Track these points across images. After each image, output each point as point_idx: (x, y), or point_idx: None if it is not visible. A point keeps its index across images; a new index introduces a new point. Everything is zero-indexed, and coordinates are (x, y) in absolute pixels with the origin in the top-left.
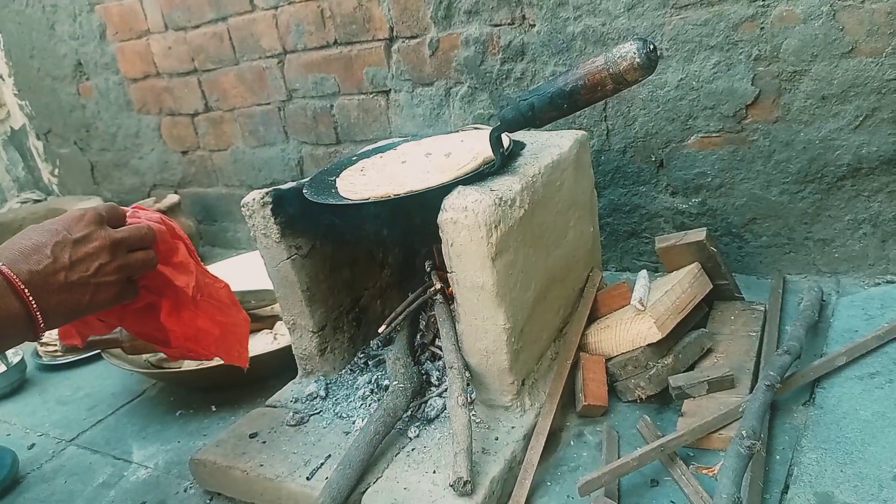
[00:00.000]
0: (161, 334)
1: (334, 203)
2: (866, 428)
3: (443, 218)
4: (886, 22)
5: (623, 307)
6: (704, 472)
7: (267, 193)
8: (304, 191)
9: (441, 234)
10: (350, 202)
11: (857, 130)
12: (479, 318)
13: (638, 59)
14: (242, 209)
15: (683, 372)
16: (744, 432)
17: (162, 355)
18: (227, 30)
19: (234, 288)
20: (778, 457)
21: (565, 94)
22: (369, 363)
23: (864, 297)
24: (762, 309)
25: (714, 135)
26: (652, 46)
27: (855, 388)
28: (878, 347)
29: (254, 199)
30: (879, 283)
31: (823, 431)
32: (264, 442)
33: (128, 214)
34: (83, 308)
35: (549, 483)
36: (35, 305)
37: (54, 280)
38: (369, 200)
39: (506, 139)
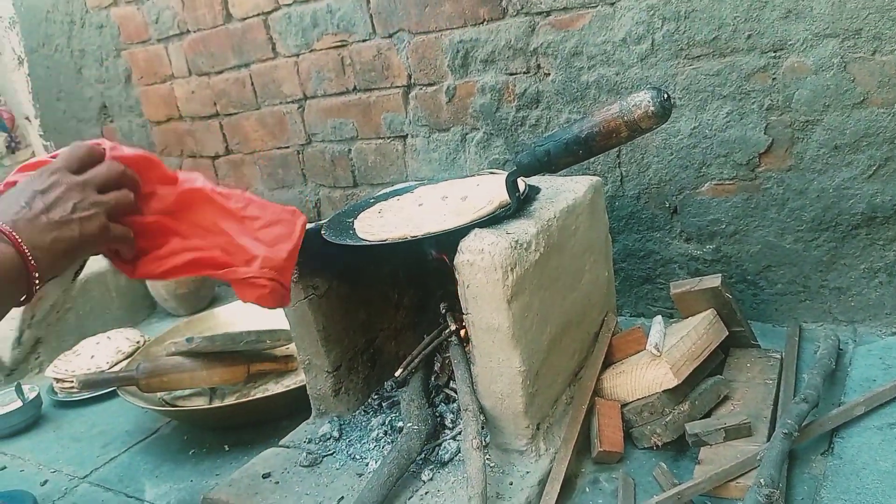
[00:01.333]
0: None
1: (353, 244)
2: (886, 479)
3: (459, 260)
4: None
5: (638, 352)
6: None
7: None
8: (322, 232)
9: (457, 276)
10: (368, 243)
11: (871, 179)
12: (495, 361)
13: (652, 108)
14: None
15: (700, 419)
16: (762, 481)
17: (177, 393)
18: (250, 75)
19: (249, 328)
20: None
21: (581, 140)
22: (383, 404)
23: (881, 346)
24: (778, 357)
25: (728, 182)
26: (666, 95)
27: (874, 438)
28: None
29: None
30: None
31: (843, 482)
32: (277, 482)
33: (107, 154)
34: (76, 243)
35: None
36: (25, 248)
37: (37, 222)
38: (387, 242)
39: (521, 184)
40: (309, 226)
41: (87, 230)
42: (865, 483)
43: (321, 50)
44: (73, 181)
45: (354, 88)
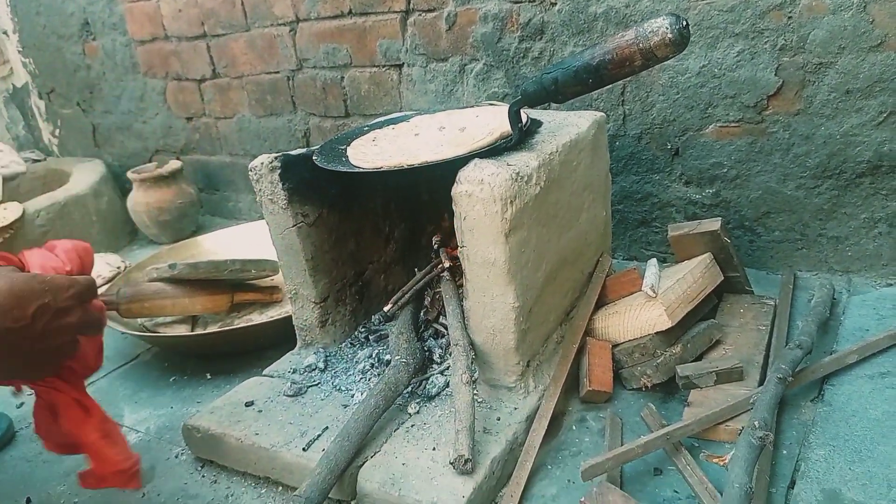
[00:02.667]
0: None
1: (345, 171)
2: (876, 427)
3: (457, 190)
4: None
5: (632, 294)
6: (715, 460)
7: (276, 158)
8: (314, 157)
9: (454, 208)
10: (362, 170)
11: (881, 127)
12: (488, 296)
13: (670, 35)
14: (250, 173)
15: (691, 362)
16: (756, 423)
17: (158, 320)
18: None
19: (234, 256)
20: (785, 451)
21: (591, 68)
22: (370, 338)
23: (876, 296)
24: (772, 304)
25: (733, 125)
26: (685, 22)
27: (865, 386)
28: (890, 347)
29: (262, 164)
30: (892, 284)
31: (832, 428)
32: (260, 411)
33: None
34: (20, 374)
35: (549, 466)
36: None
37: (19, 346)
38: (382, 169)
39: (524, 115)
40: (300, 150)
41: (39, 370)
42: (854, 430)
43: None
44: (83, 319)
45: (350, 12)
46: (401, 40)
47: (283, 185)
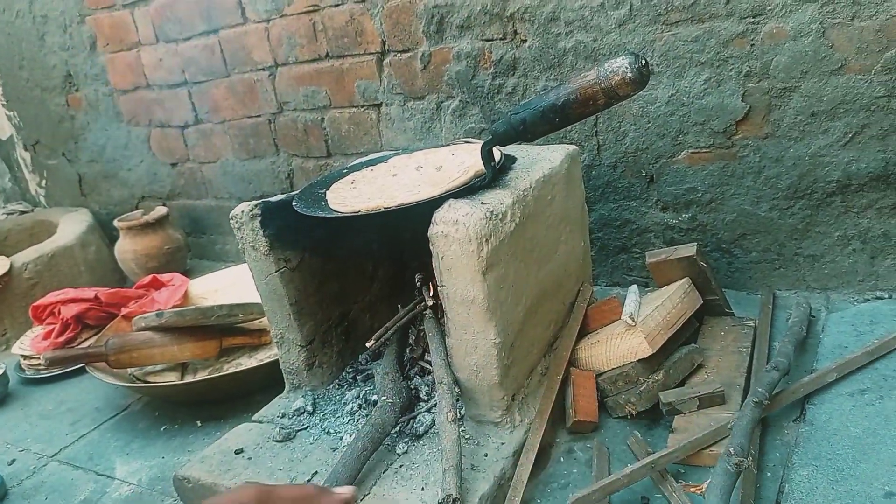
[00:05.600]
0: None
1: (324, 216)
2: (857, 445)
3: (433, 231)
4: (875, 40)
5: (613, 322)
6: (693, 490)
7: (256, 206)
8: (293, 203)
9: (431, 248)
10: (340, 215)
11: (847, 147)
12: (470, 333)
13: (630, 74)
14: (231, 221)
15: (674, 388)
16: (731, 450)
17: (148, 368)
18: (219, 42)
19: (221, 301)
20: (769, 474)
21: (557, 108)
22: (357, 378)
23: (853, 313)
24: (752, 325)
25: (704, 150)
26: (644, 61)
27: (845, 404)
28: (869, 364)
29: (242, 212)
30: (869, 300)
31: (814, 448)
32: (250, 458)
33: None
34: None
35: (538, 500)
36: None
37: None
38: (359, 213)
39: (497, 153)
40: (280, 197)
41: None
42: (836, 449)
43: (292, 15)
44: None
45: (327, 55)
46: (378, 81)
47: (263, 231)
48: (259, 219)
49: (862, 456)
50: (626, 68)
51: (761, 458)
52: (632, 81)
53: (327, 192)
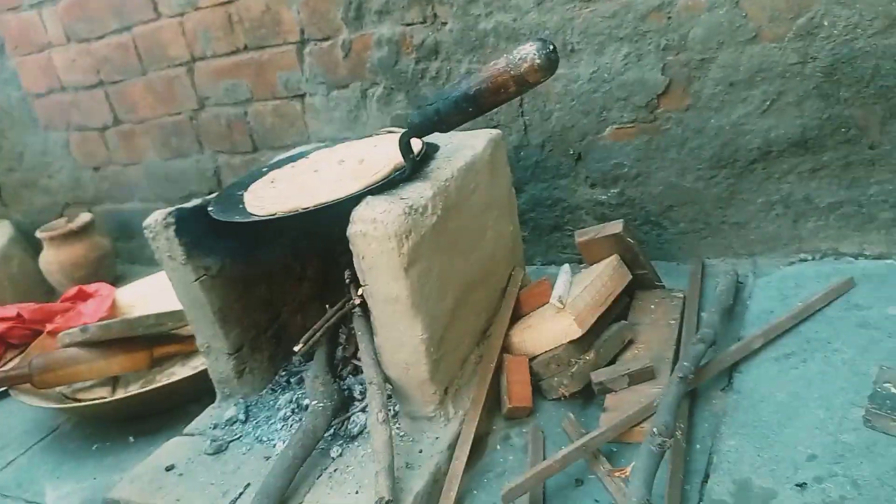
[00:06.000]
0: None
1: (240, 220)
2: (782, 410)
3: (351, 230)
4: (787, 7)
5: (545, 305)
6: (617, 475)
7: (170, 213)
8: (209, 209)
9: (351, 248)
10: (256, 219)
11: (765, 115)
12: (396, 331)
13: (538, 61)
14: (145, 231)
15: (605, 366)
16: (655, 430)
17: (78, 385)
18: (133, 39)
19: (152, 308)
20: (698, 446)
21: (469, 97)
22: (291, 381)
23: (779, 276)
24: (681, 296)
25: (628, 126)
26: (552, 47)
27: (771, 369)
28: (793, 327)
29: (156, 221)
30: (794, 262)
31: (741, 416)
32: (181, 474)
33: None
34: None
35: (475, 491)
36: None
37: None
38: (276, 216)
39: (418, 143)
40: (196, 202)
41: None
42: (762, 416)
43: (207, 7)
44: None
45: (245, 47)
46: (300, 71)
47: (179, 240)
48: (174, 227)
49: (787, 420)
50: (534, 55)
51: (691, 430)
52: (540, 68)
53: (245, 193)
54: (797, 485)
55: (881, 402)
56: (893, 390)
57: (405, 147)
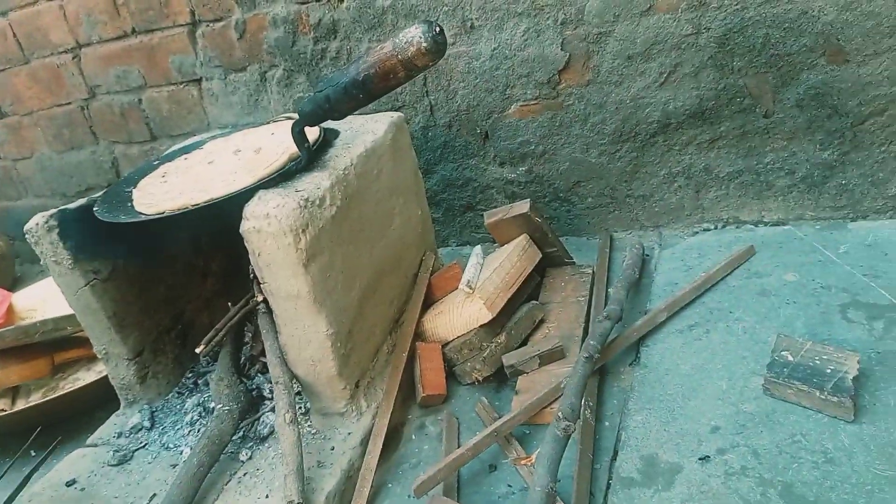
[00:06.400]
0: None
1: (127, 220)
2: (687, 383)
3: (244, 227)
4: None
5: (456, 290)
6: (523, 463)
7: (52, 216)
8: (94, 209)
9: (246, 245)
10: (144, 219)
11: (663, 87)
12: (300, 328)
13: (424, 44)
14: (27, 236)
15: (517, 348)
16: (560, 414)
17: None
18: (10, 25)
19: (52, 312)
20: (607, 423)
21: (358, 83)
22: (199, 382)
23: (683, 247)
24: (590, 272)
25: (532, 102)
26: (438, 29)
27: (676, 342)
28: (696, 298)
29: (37, 224)
30: (697, 232)
31: (648, 391)
32: (83, 489)
33: None
34: None
35: (390, 485)
36: None
37: None
38: (164, 215)
39: (314, 131)
40: (80, 202)
41: None
42: (668, 389)
43: None
44: None
45: (133, 31)
46: (193, 54)
47: (64, 244)
48: (57, 230)
49: (691, 393)
50: (420, 38)
51: (600, 408)
52: (427, 51)
53: (135, 189)
54: (700, 458)
55: (779, 371)
56: (790, 358)
57: (298, 136)
